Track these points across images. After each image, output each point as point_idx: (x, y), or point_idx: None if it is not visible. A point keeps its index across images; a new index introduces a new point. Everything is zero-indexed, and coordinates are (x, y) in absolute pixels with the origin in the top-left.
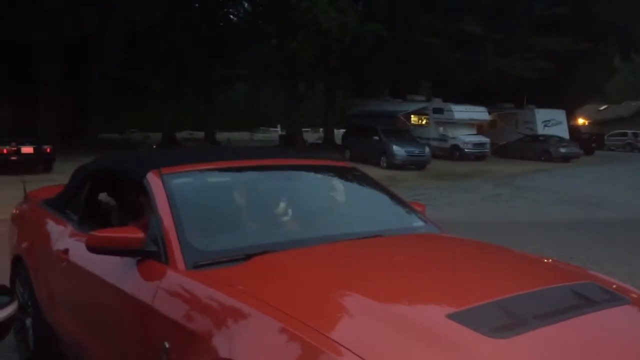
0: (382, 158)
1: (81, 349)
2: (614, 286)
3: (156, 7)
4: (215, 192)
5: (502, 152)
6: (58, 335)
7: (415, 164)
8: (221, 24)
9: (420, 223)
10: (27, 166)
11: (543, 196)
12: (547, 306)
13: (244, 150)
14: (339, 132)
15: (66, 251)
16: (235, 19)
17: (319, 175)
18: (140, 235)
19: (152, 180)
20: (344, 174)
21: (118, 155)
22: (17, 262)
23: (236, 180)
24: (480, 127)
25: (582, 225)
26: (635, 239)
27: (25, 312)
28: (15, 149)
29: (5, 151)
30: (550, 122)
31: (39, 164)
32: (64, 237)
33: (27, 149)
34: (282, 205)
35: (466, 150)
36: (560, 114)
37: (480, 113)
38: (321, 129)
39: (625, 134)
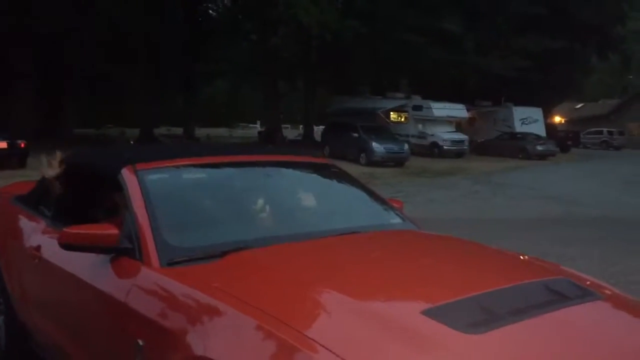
0: (362, 155)
1: (55, 348)
2: (588, 282)
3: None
4: (191, 188)
5: (480, 149)
6: (31, 333)
7: (394, 161)
8: (200, 19)
9: (397, 220)
10: (0, 161)
11: (520, 193)
12: (521, 302)
13: (221, 146)
14: (318, 129)
15: (38, 248)
16: (214, 14)
17: (296, 172)
18: (115, 231)
19: (127, 176)
20: (322, 171)
21: (92, 150)
22: None
23: (212, 176)
24: (459, 125)
25: (558, 221)
26: (609, 235)
27: None
28: None
29: None
30: (527, 119)
31: (13, 159)
32: (36, 233)
33: (1, 144)
34: (259, 201)
35: (445, 147)
36: (537, 112)
37: (458, 110)
38: (301, 126)
39: (600, 132)
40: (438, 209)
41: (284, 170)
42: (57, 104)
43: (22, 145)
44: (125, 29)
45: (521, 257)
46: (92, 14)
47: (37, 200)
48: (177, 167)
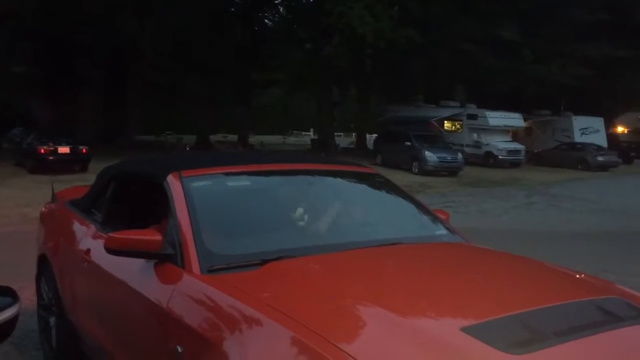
0: (414, 164)
1: (100, 350)
2: None
3: (194, 11)
4: (235, 196)
5: (537, 159)
6: (80, 335)
7: (448, 170)
8: (256, 28)
9: (443, 231)
10: (63, 166)
11: (578, 206)
12: (568, 321)
13: (266, 154)
14: (371, 137)
15: (88, 252)
16: (270, 23)
17: (341, 181)
18: (158, 237)
19: (172, 182)
20: (367, 180)
21: (141, 157)
22: (42, 261)
23: (256, 184)
24: (515, 134)
25: (619, 236)
26: None
27: (49, 311)
28: (52, 149)
29: (42, 151)
30: (587, 129)
31: (75, 164)
32: (87, 237)
33: (64, 149)
34: (301, 210)
35: (500, 157)
36: (598, 122)
37: (515, 120)
38: (354, 134)
39: None
40: (490, 221)
41: (328, 179)
42: (119, 111)
43: (84, 151)
44: (186, 40)
45: (572, 274)
46: (154, 24)
47: (89, 204)
48: (222, 174)
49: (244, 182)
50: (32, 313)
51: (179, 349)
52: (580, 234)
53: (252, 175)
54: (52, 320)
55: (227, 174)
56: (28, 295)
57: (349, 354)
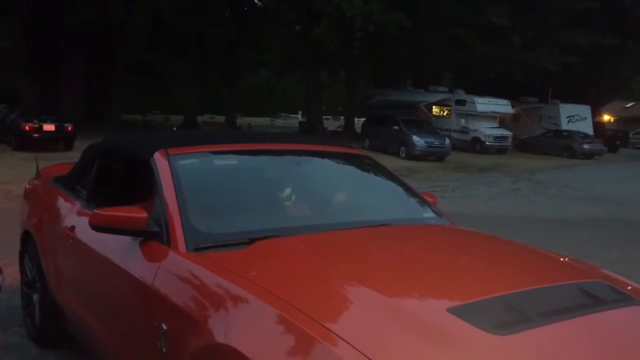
0: (402, 148)
1: (84, 328)
2: (629, 287)
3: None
4: (222, 175)
5: (524, 146)
6: (64, 312)
7: (435, 155)
8: (245, 9)
9: (430, 214)
10: (48, 144)
11: (563, 192)
12: (552, 304)
13: (254, 134)
14: (359, 121)
15: (72, 228)
16: (259, 3)
17: (329, 162)
18: (144, 215)
19: (159, 160)
20: (355, 162)
21: (127, 134)
22: (26, 238)
23: (243, 164)
24: (502, 121)
25: (602, 223)
26: None
27: (32, 288)
28: (37, 126)
29: (27, 128)
30: (574, 117)
31: (60, 142)
32: (71, 214)
33: (49, 127)
34: (288, 190)
35: (487, 143)
36: (585, 110)
37: (503, 106)
38: (342, 118)
39: None
40: (476, 205)
41: (316, 159)
42: (105, 90)
43: (70, 128)
44: (172, 22)
45: (556, 258)
46: (141, 5)
47: (74, 181)
48: (209, 153)
49: (231, 161)
50: (15, 290)
51: (164, 327)
52: (564, 220)
53: (239, 154)
54: (36, 297)
55: (214, 152)
56: (11, 272)
57: (335, 333)
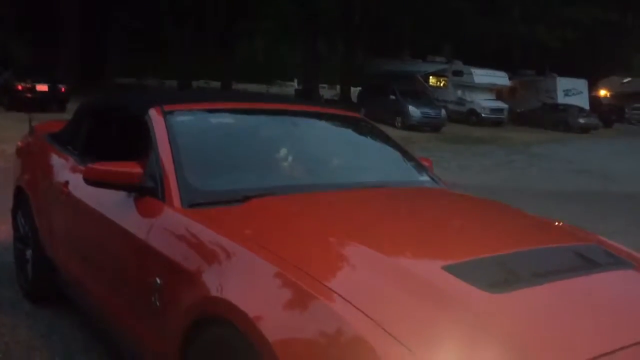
0: (398, 118)
1: (77, 284)
2: (623, 253)
3: None
4: (218, 132)
5: (520, 119)
6: (57, 268)
7: (431, 126)
8: None
9: (426, 178)
10: (41, 104)
11: (558, 166)
12: (547, 265)
13: (251, 94)
14: (356, 91)
15: (66, 184)
16: None
17: (325, 123)
18: (138, 170)
19: (154, 116)
20: (352, 124)
21: (122, 92)
22: (18, 193)
23: (240, 122)
24: (499, 93)
25: (596, 196)
26: None
27: (25, 243)
28: (30, 86)
29: (20, 87)
30: (571, 91)
31: (53, 103)
32: (65, 170)
33: (42, 87)
34: (285, 150)
35: (483, 115)
36: (582, 84)
37: (500, 78)
38: (338, 86)
39: None
40: (470, 176)
41: (313, 120)
42: (101, 53)
43: (63, 89)
44: None
45: (552, 222)
46: None
47: (68, 138)
48: (205, 110)
49: (228, 119)
50: (7, 247)
51: (158, 281)
52: (557, 192)
53: (236, 113)
54: (29, 253)
55: (210, 110)
56: (3, 229)
57: (332, 289)
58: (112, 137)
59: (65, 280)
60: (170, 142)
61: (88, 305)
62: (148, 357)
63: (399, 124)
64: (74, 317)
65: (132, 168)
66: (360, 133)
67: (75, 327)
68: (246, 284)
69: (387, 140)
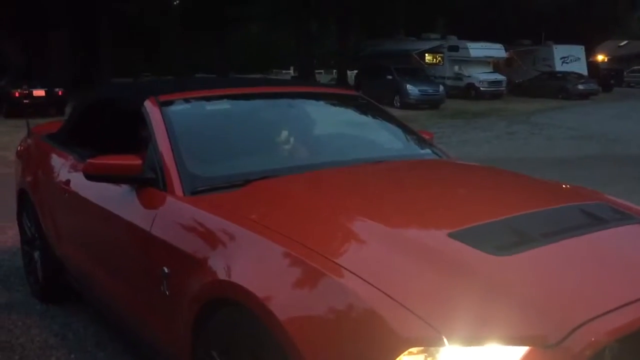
0: (396, 97)
1: (87, 279)
2: (631, 209)
3: None
4: (215, 119)
5: (518, 90)
6: (65, 266)
7: (429, 103)
8: None
9: (427, 150)
10: (39, 109)
11: (559, 133)
12: (555, 224)
13: (247, 79)
14: (352, 74)
15: (68, 182)
16: None
17: (323, 102)
18: (138, 161)
19: (150, 107)
20: (350, 102)
21: (117, 85)
22: (22, 196)
23: (236, 107)
24: (496, 65)
25: (599, 160)
26: None
27: (33, 246)
28: (27, 92)
29: (17, 94)
30: (568, 58)
31: (51, 107)
32: (65, 168)
33: (39, 92)
34: (283, 132)
35: (482, 88)
36: (579, 50)
37: (496, 50)
38: (334, 71)
39: None
40: (472, 149)
41: (310, 100)
42: (94, 53)
43: (60, 93)
44: None
45: (558, 184)
46: None
47: (66, 136)
48: (200, 98)
49: (224, 104)
50: (15, 252)
51: (166, 270)
52: (560, 159)
53: (232, 98)
54: (37, 254)
55: (205, 97)
56: (11, 235)
57: (340, 265)
58: (110, 131)
59: (75, 277)
60: (168, 132)
61: (99, 300)
62: (161, 345)
63: (398, 104)
64: (87, 314)
65: (132, 160)
66: (359, 110)
67: (89, 324)
68: (254, 266)
69: (386, 116)
